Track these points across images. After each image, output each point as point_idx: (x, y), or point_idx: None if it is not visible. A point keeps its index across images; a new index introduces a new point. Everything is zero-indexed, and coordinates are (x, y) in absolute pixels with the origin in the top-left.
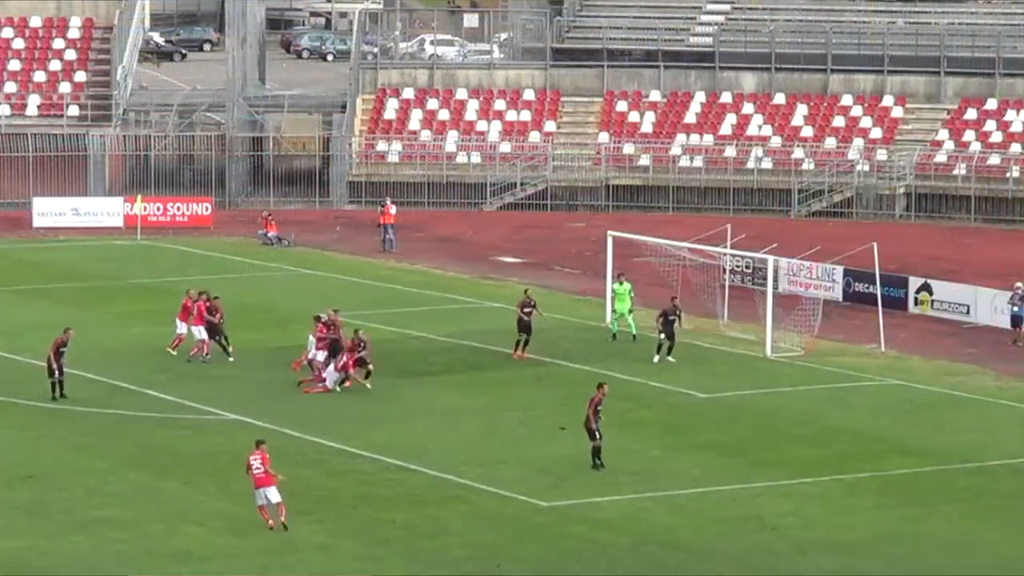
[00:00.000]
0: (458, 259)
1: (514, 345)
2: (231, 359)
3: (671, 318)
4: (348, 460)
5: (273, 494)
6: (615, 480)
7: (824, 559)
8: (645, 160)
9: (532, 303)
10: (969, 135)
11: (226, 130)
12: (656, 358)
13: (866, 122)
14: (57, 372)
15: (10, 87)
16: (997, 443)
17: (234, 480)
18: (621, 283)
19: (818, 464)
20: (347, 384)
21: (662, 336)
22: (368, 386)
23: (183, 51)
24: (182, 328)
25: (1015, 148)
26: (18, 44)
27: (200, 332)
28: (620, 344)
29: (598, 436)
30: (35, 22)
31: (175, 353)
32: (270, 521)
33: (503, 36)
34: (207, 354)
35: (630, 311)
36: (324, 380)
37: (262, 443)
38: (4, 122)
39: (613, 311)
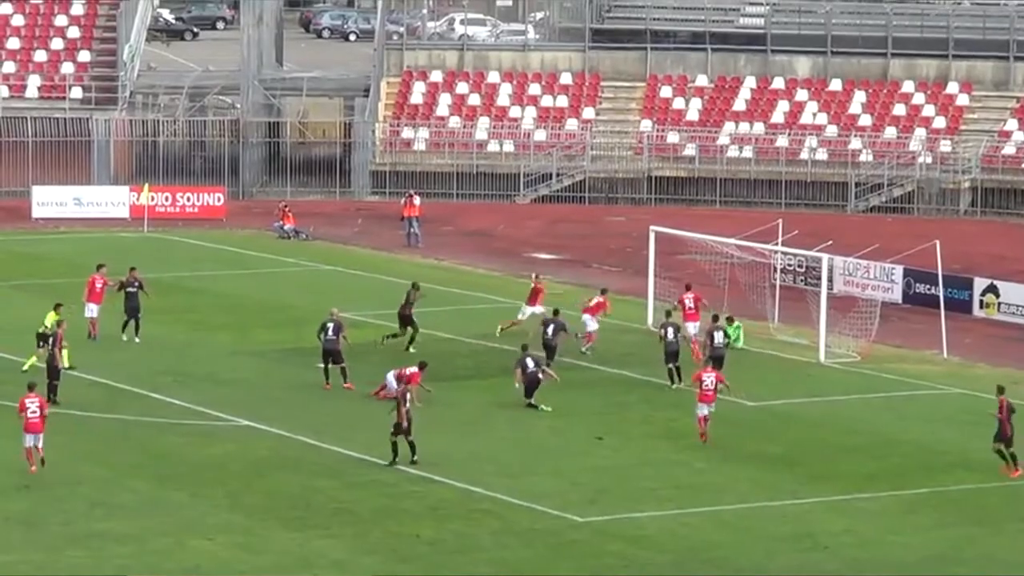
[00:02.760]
0: (489, 255)
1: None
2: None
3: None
4: (368, 470)
5: (39, 439)
6: (656, 494)
7: None
8: (691, 150)
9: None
10: None
11: (240, 115)
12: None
13: (929, 111)
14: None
15: (8, 67)
16: None
17: (246, 491)
18: (732, 325)
19: (874, 478)
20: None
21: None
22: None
23: (195, 29)
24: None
25: None
26: (17, 20)
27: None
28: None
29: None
30: None
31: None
32: (33, 467)
33: (539, 15)
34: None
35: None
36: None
37: (36, 386)
38: (2, 105)
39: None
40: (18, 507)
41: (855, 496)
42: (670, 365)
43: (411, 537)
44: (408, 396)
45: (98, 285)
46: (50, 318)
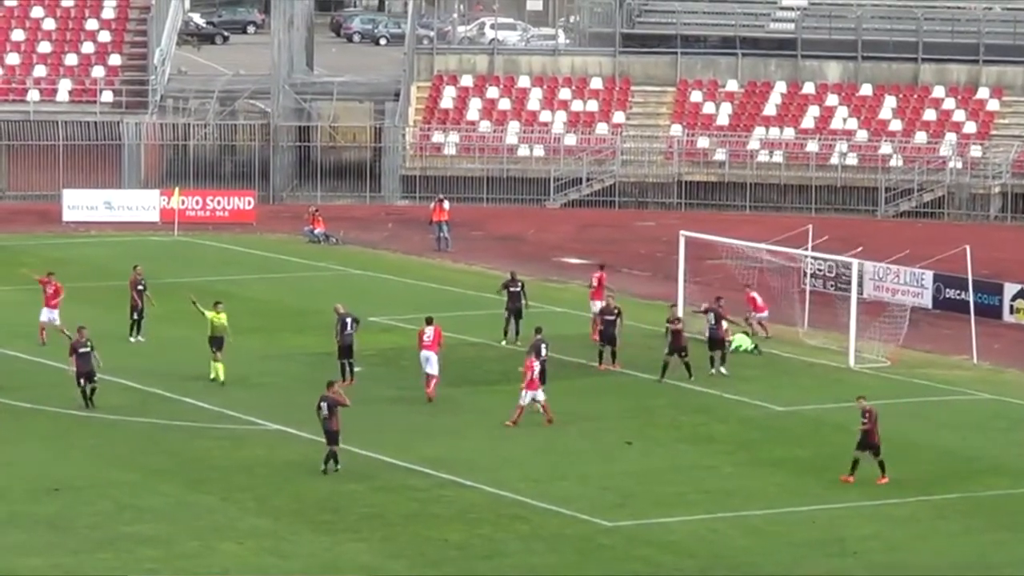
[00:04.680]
0: (519, 259)
1: (597, 356)
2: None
3: (609, 319)
4: (398, 474)
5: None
6: (685, 499)
7: None
8: (721, 155)
9: (615, 311)
10: None
11: (271, 119)
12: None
13: (959, 116)
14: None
15: (40, 71)
16: None
17: (275, 495)
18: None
19: (903, 484)
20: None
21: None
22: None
23: (225, 33)
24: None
25: None
26: (48, 25)
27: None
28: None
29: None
30: (67, 1)
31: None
32: None
33: (569, 20)
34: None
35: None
36: None
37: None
38: (33, 108)
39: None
40: (47, 510)
41: (884, 502)
42: (711, 353)
43: (440, 541)
44: (337, 407)
45: (48, 290)
46: (218, 318)
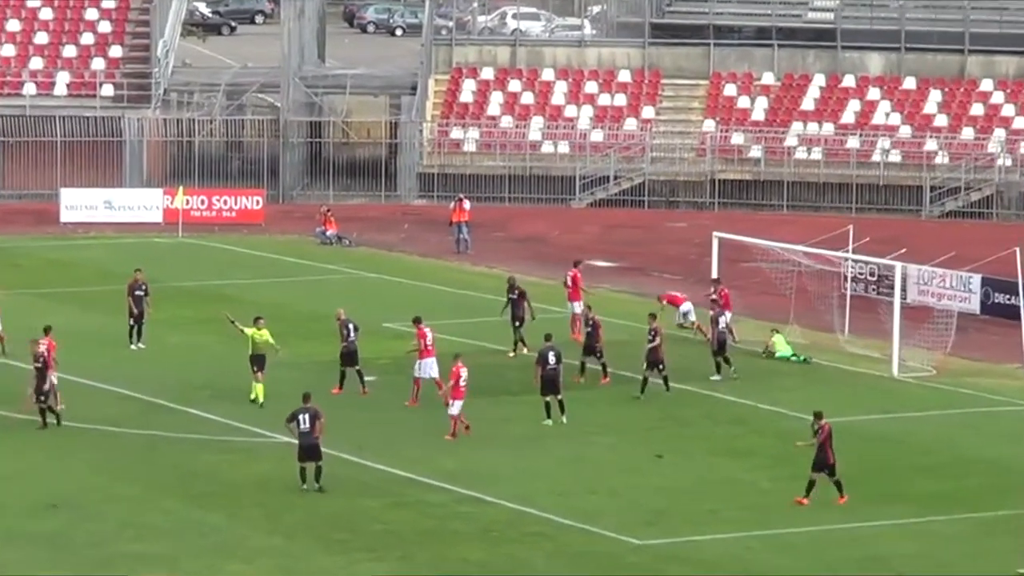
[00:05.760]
0: (542, 262)
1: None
2: None
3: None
4: (415, 489)
5: (54, 377)
6: (719, 516)
7: None
8: (756, 151)
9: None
10: None
11: (280, 114)
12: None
13: (1008, 110)
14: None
15: (36, 63)
16: None
17: (286, 512)
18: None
19: (950, 500)
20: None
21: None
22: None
23: (232, 24)
24: None
25: None
26: (46, 14)
27: None
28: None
29: None
30: None
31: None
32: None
33: (595, 9)
34: None
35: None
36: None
37: (50, 329)
38: (29, 103)
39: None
40: (46, 527)
41: (930, 518)
42: (718, 358)
43: (459, 561)
44: (318, 420)
45: None
46: (259, 335)
